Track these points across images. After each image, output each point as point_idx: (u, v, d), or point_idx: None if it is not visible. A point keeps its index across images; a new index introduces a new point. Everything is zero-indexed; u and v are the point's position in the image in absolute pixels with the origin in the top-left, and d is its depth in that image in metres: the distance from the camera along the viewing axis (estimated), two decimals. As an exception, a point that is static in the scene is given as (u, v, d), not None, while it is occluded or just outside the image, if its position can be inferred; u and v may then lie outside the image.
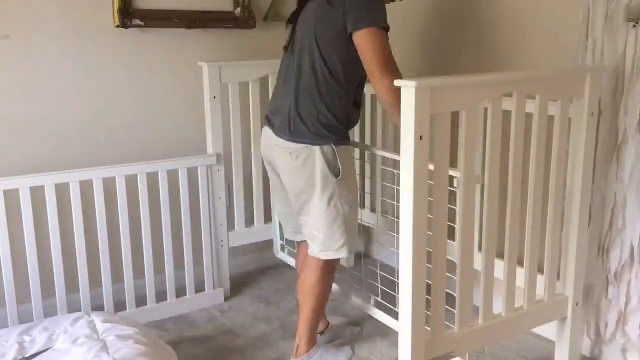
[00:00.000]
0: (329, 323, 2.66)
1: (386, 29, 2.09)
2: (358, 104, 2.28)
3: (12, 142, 2.73)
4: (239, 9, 3.19)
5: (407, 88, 1.66)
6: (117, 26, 2.88)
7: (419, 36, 3.20)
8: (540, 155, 2.04)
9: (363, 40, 2.06)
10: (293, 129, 2.21)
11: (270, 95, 3.09)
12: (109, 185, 2.67)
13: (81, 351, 2.05)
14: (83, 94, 2.88)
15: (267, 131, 2.35)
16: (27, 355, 2.10)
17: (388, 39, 2.09)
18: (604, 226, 2.30)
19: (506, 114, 1.94)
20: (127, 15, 2.88)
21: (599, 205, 2.30)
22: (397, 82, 1.70)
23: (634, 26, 2.13)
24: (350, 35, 2.09)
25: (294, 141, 2.22)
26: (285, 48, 2.33)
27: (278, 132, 2.26)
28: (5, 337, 2.18)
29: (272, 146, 2.31)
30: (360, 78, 2.22)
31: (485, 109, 2.18)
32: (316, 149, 2.19)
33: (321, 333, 2.57)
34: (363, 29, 2.05)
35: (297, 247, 2.64)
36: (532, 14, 2.64)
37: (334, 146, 2.20)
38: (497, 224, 2.00)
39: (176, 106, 3.10)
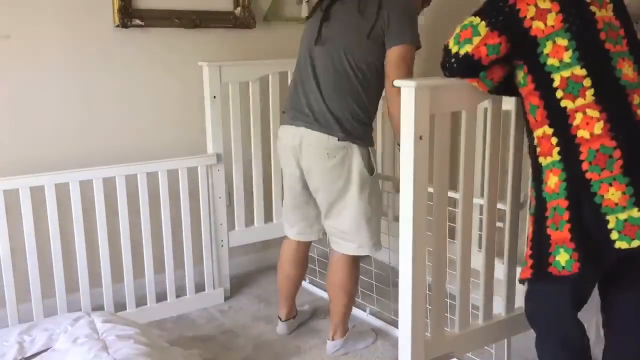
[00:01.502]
0: (297, 312, 2.78)
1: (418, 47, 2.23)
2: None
3: (12, 142, 2.73)
4: (239, 9, 3.18)
5: (407, 88, 1.66)
6: (117, 26, 2.88)
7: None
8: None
9: (393, 55, 2.18)
10: (331, 127, 2.25)
11: (270, 97, 3.11)
12: (109, 185, 2.67)
13: (81, 351, 2.05)
14: (83, 93, 2.87)
15: (293, 129, 2.34)
16: (27, 355, 2.10)
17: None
18: (604, 226, 2.29)
19: (506, 114, 1.94)
20: (127, 15, 2.87)
21: (599, 205, 2.30)
22: (396, 83, 1.69)
23: (634, 26, 2.13)
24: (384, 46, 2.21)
25: (332, 140, 2.25)
26: (315, 42, 2.31)
27: (313, 131, 2.28)
28: (5, 337, 2.18)
29: (302, 145, 2.32)
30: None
31: (485, 109, 2.18)
32: (354, 148, 2.26)
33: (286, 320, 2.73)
34: (399, 45, 2.17)
35: (285, 244, 2.65)
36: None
37: (368, 145, 2.31)
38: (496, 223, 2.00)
39: (176, 106, 3.10)
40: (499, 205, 2.02)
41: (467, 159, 1.85)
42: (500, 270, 2.09)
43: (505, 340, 2.23)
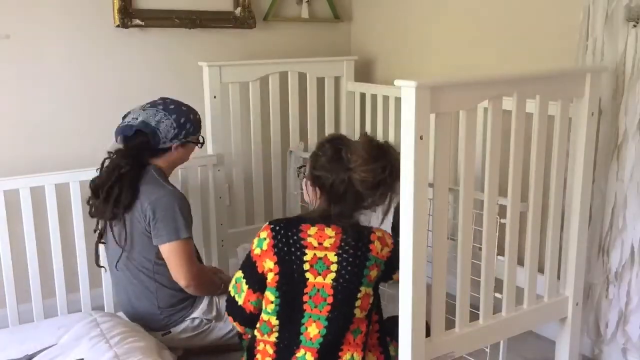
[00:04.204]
0: None
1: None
2: None
3: (12, 142, 2.73)
4: (239, 9, 3.19)
5: (407, 88, 1.65)
6: (117, 26, 2.88)
7: (419, 37, 3.21)
8: (541, 155, 2.04)
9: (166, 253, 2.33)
10: None
11: (270, 97, 3.11)
12: (109, 185, 2.66)
13: (82, 350, 2.05)
14: (83, 94, 2.88)
15: None
16: (30, 353, 2.11)
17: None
18: (604, 226, 2.30)
19: (506, 114, 1.94)
20: (127, 15, 2.88)
21: (599, 205, 2.30)
22: (397, 82, 1.69)
23: (634, 26, 2.13)
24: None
25: None
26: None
27: None
28: (5, 337, 2.18)
29: None
30: None
31: (485, 109, 2.18)
32: None
33: None
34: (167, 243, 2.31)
35: None
36: (533, 14, 2.64)
37: None
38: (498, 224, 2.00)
39: (176, 106, 3.09)
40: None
41: (467, 159, 1.85)
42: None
43: (501, 340, 2.23)
